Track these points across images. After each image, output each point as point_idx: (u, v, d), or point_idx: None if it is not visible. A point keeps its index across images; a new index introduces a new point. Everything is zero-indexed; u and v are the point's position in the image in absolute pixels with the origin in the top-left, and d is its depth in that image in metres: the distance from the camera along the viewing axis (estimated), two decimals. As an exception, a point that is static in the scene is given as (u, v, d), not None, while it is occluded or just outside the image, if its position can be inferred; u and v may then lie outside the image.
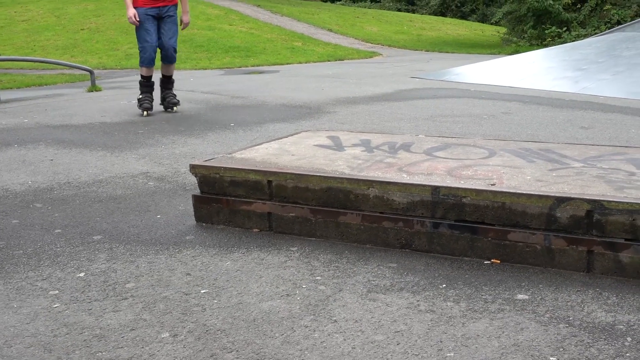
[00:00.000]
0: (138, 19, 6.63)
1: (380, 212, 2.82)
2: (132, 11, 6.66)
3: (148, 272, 2.64)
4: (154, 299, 2.36)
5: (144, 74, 7.09)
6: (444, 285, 2.42)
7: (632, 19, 19.09)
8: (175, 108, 7.36)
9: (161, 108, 7.40)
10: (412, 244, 2.78)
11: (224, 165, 3.18)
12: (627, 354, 1.88)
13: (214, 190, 3.21)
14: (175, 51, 7.04)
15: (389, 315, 2.18)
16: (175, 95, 7.39)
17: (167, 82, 7.31)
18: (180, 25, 7.24)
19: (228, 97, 8.82)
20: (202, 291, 2.42)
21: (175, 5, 7.03)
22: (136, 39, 6.96)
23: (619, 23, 19.92)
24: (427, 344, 1.97)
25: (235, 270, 2.63)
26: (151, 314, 2.24)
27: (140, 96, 7.16)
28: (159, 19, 6.88)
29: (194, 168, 3.27)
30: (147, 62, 6.96)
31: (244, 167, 3.13)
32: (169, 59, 7.05)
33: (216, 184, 3.19)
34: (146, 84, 7.14)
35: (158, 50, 6.95)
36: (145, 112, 7.13)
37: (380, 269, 2.60)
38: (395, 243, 2.81)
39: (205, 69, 15.07)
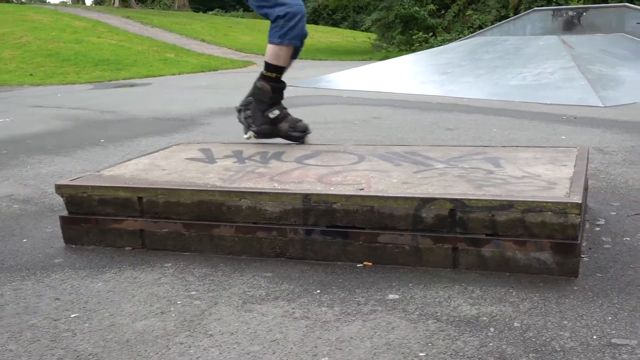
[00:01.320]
0: None
1: (254, 223, 2.84)
2: None
3: (14, 299, 2.52)
4: (20, 328, 2.26)
5: (282, 63, 3.82)
6: (319, 291, 2.45)
7: (492, 23, 20.10)
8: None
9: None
10: (287, 253, 2.80)
11: (92, 184, 3.10)
12: (490, 344, 1.98)
13: (82, 210, 3.11)
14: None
15: (264, 325, 2.19)
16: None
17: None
18: None
19: (98, 112, 8.58)
20: (72, 315, 2.35)
21: None
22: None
23: (480, 27, 20.92)
24: (302, 351, 2.00)
25: (107, 291, 2.56)
26: (17, 343, 2.15)
27: (276, 111, 3.91)
28: None
29: (60, 188, 3.16)
30: (298, 34, 3.75)
31: (112, 185, 3.06)
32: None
33: (84, 204, 3.10)
34: (280, 86, 3.90)
35: None
36: (305, 134, 3.96)
37: (255, 279, 2.61)
38: (270, 252, 2.83)
39: (74, 83, 14.58)
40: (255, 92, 3.95)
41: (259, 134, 4.02)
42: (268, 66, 3.83)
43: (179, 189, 2.94)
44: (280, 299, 2.40)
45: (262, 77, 3.87)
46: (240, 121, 4.17)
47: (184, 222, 2.93)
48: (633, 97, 8.23)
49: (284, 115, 3.92)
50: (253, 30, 29.23)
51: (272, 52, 3.79)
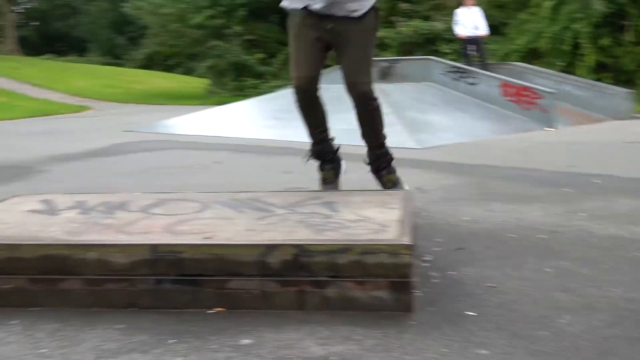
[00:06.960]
0: None
1: (102, 275, 2.69)
2: None
3: None
4: None
5: None
6: (173, 341, 2.36)
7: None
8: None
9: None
10: (137, 303, 2.68)
11: None
12: (340, 382, 1.99)
13: None
14: None
15: (119, 380, 2.08)
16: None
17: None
18: None
19: None
20: None
21: None
22: None
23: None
24: (159, 405, 1.91)
25: (-55, 356, 2.31)
26: None
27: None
28: None
29: None
30: None
31: (-51, 242, 2.79)
32: None
33: None
34: None
35: None
36: None
37: (107, 332, 2.46)
38: (121, 304, 2.69)
39: None
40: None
41: None
42: None
43: (20, 244, 2.74)
44: (134, 351, 2.28)
45: None
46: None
47: (29, 277, 2.72)
48: (443, 140, 8.80)
49: None
50: (88, 76, 28.16)
51: None
